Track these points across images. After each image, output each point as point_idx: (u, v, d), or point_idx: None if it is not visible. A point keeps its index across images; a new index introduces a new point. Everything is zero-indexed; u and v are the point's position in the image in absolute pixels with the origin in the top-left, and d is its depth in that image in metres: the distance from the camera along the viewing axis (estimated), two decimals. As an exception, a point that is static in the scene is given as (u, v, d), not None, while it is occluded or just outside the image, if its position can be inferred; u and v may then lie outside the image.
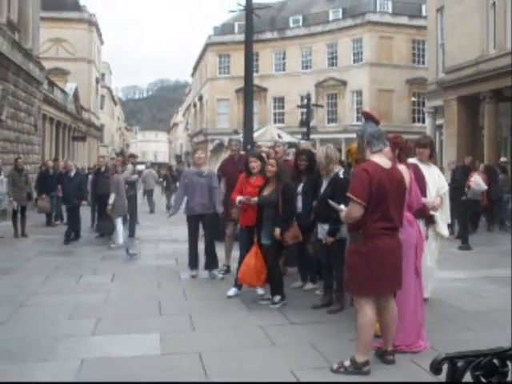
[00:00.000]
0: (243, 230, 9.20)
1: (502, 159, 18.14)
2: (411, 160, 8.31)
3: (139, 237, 16.15)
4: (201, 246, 10.69)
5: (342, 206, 5.97)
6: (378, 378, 5.51)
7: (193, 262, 10.68)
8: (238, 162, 10.74)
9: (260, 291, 8.91)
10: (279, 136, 12.13)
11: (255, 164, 9.10)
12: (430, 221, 7.87)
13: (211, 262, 10.45)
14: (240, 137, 11.83)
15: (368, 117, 6.46)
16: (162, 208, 25.28)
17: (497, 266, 11.99)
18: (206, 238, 10.51)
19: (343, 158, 9.10)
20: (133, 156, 19.96)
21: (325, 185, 8.08)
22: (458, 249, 13.69)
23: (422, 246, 6.75)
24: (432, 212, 7.74)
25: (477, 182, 15.36)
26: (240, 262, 8.79)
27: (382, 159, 5.63)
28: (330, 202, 6.60)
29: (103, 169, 16.49)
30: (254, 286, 8.67)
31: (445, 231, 8.31)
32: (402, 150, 6.50)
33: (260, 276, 8.35)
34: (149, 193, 26.70)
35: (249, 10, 13.23)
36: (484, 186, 15.57)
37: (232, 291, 8.95)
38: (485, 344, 4.07)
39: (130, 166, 16.86)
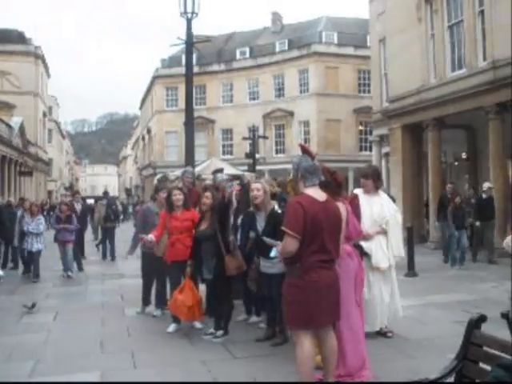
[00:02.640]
0: (173, 265, 9.04)
1: (486, 184, 17.51)
2: (356, 190, 8.38)
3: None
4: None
5: (278, 242, 5.95)
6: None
7: (146, 299, 10.48)
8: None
9: (198, 325, 8.87)
10: (217, 170, 11.95)
11: (179, 197, 9.07)
12: (361, 252, 7.60)
13: (161, 300, 10.21)
14: (221, 175, 11.46)
15: (304, 150, 6.47)
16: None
17: (442, 291, 12.15)
18: (158, 277, 10.23)
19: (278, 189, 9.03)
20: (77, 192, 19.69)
21: (260, 220, 8.06)
22: (404, 276, 13.80)
23: (362, 277, 6.76)
24: (362, 243, 7.58)
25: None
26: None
27: (316, 192, 5.63)
28: (265, 239, 6.61)
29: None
30: (188, 320, 8.64)
31: (383, 263, 7.97)
32: (326, 187, 6.39)
33: (192, 310, 8.30)
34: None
35: (189, 43, 13.26)
36: None
37: (171, 327, 8.86)
38: (425, 371, 4.12)
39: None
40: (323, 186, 5.96)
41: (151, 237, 9.09)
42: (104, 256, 19.92)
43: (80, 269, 16.59)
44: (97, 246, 22.04)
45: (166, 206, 9.33)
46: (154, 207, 10.72)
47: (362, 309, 6.71)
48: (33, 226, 15.02)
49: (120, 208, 26.08)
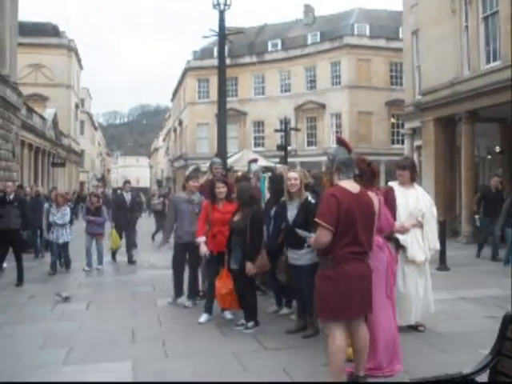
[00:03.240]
0: (213, 256, 9.11)
1: None
2: (391, 183, 8.33)
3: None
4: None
5: (312, 234, 5.95)
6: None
7: (178, 290, 10.51)
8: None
9: (228, 316, 8.91)
10: (252, 160, 11.95)
11: (223, 189, 9.09)
12: (397, 245, 7.66)
13: (193, 291, 10.27)
14: (257, 166, 11.46)
15: (341, 142, 6.46)
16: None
17: (474, 286, 12.04)
18: (191, 267, 10.27)
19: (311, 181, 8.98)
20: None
21: (292, 210, 8.04)
22: (435, 269, 13.68)
23: (393, 270, 6.72)
24: (398, 235, 7.54)
25: None
26: (211, 288, 8.82)
27: (349, 184, 5.62)
28: (298, 230, 6.61)
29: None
30: (223, 307, 8.73)
31: (419, 257, 7.91)
32: (361, 176, 6.40)
33: (227, 298, 8.39)
34: None
35: (221, 35, 13.25)
36: None
37: (203, 317, 8.91)
38: (457, 366, 4.08)
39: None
40: (358, 176, 5.95)
41: (205, 250, 9.13)
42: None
43: (130, 261, 16.29)
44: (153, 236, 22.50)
45: (210, 198, 9.36)
46: (184, 195, 10.78)
47: (394, 302, 6.66)
48: (58, 217, 14.85)
49: (143, 199, 26.33)
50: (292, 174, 8.19)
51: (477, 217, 16.52)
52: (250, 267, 8.04)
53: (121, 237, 16.62)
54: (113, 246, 16.56)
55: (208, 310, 8.99)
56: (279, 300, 9.51)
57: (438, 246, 8.38)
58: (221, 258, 8.89)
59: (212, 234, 9.05)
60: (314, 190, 8.37)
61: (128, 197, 17.07)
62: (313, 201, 7.79)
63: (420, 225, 8.00)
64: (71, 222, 15.96)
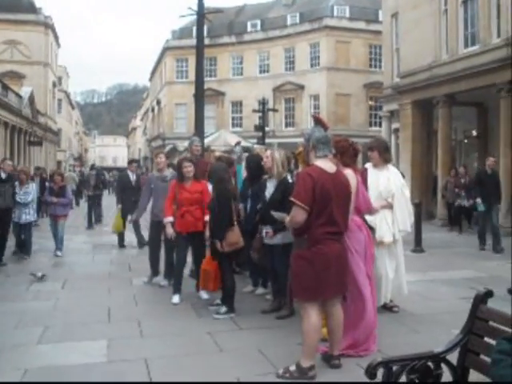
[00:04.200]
0: (181, 237, 9.09)
1: (491, 159, 15.87)
2: (367, 164, 8.35)
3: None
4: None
5: (285, 215, 5.98)
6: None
7: (154, 268, 10.53)
8: (197, 166, 9.70)
9: (204, 295, 8.92)
10: (238, 143, 12.03)
11: (190, 169, 9.07)
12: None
13: (169, 270, 10.14)
14: (240, 149, 11.53)
15: (317, 121, 6.47)
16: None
17: (449, 268, 12.18)
18: (166, 246, 10.11)
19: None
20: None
21: (270, 188, 8.05)
22: (411, 251, 13.79)
23: (371, 250, 6.75)
24: (366, 216, 7.31)
25: None
26: (179, 269, 9.08)
27: (326, 164, 5.63)
28: (273, 212, 6.64)
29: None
30: (212, 290, 8.63)
31: (387, 238, 7.91)
32: (344, 154, 6.48)
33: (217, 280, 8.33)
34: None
35: (200, 14, 13.17)
36: None
37: (176, 298, 8.91)
38: (429, 346, 4.14)
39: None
40: (340, 154, 5.98)
41: (171, 232, 9.19)
42: (90, 223, 20.89)
43: (141, 244, 14.83)
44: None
45: (177, 177, 9.33)
46: (157, 173, 10.89)
47: (373, 282, 6.72)
48: (20, 195, 13.54)
49: (108, 178, 27.89)
50: (266, 152, 8.26)
51: (478, 201, 15.06)
52: (218, 245, 7.99)
53: (125, 220, 15.00)
54: (116, 229, 15.27)
55: (178, 290, 9.00)
56: (255, 280, 9.55)
57: (408, 227, 8.30)
58: (190, 238, 8.93)
59: (180, 213, 9.00)
60: (289, 170, 8.38)
61: (133, 177, 15.99)
62: (290, 180, 7.80)
63: (390, 206, 8.02)
64: (37, 201, 14.87)
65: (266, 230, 7.79)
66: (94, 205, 21.61)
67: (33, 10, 56.78)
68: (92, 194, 21.64)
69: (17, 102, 41.37)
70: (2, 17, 44.64)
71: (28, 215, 13.74)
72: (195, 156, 10.74)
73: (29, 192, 13.66)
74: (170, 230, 9.18)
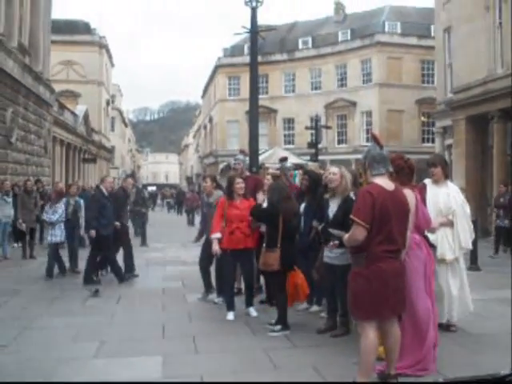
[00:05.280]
0: (226, 254, 9.10)
1: None
2: (426, 180, 8.26)
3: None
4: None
5: (343, 233, 5.95)
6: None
7: (207, 286, 10.56)
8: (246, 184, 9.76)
9: (253, 313, 8.96)
10: (283, 159, 11.98)
11: (241, 185, 9.09)
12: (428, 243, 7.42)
13: (221, 287, 10.15)
14: (243, 157, 11.56)
15: (374, 139, 6.44)
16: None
17: (505, 287, 11.90)
18: (217, 263, 10.08)
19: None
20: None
21: (333, 207, 7.93)
22: (467, 270, 13.54)
23: (432, 268, 6.66)
24: (428, 234, 7.23)
25: None
26: (228, 287, 9.14)
27: (384, 181, 5.60)
28: (332, 230, 6.60)
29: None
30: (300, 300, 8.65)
31: (449, 255, 7.84)
32: (399, 172, 6.40)
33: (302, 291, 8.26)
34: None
35: (254, 32, 13.24)
36: None
37: (230, 315, 8.92)
38: (489, 368, 4.04)
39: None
40: (395, 172, 5.94)
41: (216, 249, 9.20)
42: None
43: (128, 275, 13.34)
44: None
45: (226, 194, 9.38)
46: (206, 198, 10.91)
47: (434, 300, 6.62)
48: (49, 215, 13.38)
49: (146, 195, 28.32)
50: (332, 169, 8.14)
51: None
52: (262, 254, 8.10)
53: None
54: None
55: (231, 307, 9.01)
56: (310, 297, 9.48)
57: (470, 244, 8.22)
58: (237, 255, 8.95)
59: (229, 230, 8.99)
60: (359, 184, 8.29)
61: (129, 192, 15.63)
62: (354, 197, 7.67)
63: (450, 223, 7.92)
64: (68, 220, 13.89)
65: (334, 242, 7.53)
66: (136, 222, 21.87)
67: (88, 31, 58.00)
68: (133, 209, 21.28)
69: (72, 121, 42.18)
70: (59, 38, 45.52)
71: (53, 236, 13.33)
72: (239, 174, 10.68)
73: (55, 211, 13.40)
74: (216, 247, 9.17)
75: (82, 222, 13.95)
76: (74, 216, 13.93)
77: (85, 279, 12.37)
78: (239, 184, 9.13)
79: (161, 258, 16.81)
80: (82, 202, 14.44)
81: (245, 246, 8.95)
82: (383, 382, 5.76)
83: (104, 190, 12.89)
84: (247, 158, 12.49)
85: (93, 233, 12.44)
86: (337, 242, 7.44)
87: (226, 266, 9.25)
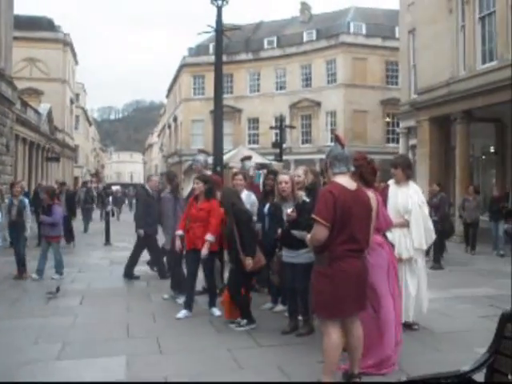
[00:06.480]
0: (187, 252, 9.21)
1: None
2: (390, 181, 8.32)
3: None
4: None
5: (305, 233, 5.97)
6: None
7: (174, 285, 10.53)
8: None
9: (217, 312, 8.96)
10: (246, 158, 11.99)
11: (197, 186, 9.12)
12: None
13: (176, 284, 10.40)
14: (204, 156, 11.56)
15: (336, 139, 6.45)
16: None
17: (468, 285, 12.08)
18: (175, 259, 10.45)
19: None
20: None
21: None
22: (429, 268, 13.69)
23: (394, 268, 6.70)
24: (386, 233, 7.24)
25: None
26: (190, 284, 9.12)
27: (346, 181, 5.61)
28: (294, 232, 6.62)
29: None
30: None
31: (405, 254, 7.85)
32: (362, 171, 6.41)
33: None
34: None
35: (219, 31, 13.20)
36: None
37: (181, 313, 8.96)
38: (451, 365, 4.08)
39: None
40: (358, 174, 5.96)
41: (178, 244, 9.51)
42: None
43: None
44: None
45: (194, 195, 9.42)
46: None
47: (397, 299, 6.66)
48: None
49: (95, 194, 31.58)
50: (283, 178, 8.20)
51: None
52: (248, 262, 8.01)
53: None
54: None
55: (185, 306, 9.07)
56: (274, 297, 9.50)
57: (423, 244, 8.19)
58: (192, 255, 9.01)
59: (187, 229, 9.15)
60: (306, 187, 8.33)
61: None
62: (307, 200, 7.73)
63: (407, 223, 7.98)
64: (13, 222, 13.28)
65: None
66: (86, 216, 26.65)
67: (52, 28, 57.32)
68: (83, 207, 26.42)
69: (35, 119, 41.65)
70: (22, 35, 44.96)
71: None
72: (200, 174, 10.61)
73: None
74: (177, 243, 9.44)
75: (28, 223, 13.41)
76: (18, 217, 13.18)
77: (125, 273, 12.91)
78: (195, 184, 9.22)
79: (125, 257, 16.61)
80: (26, 201, 13.72)
81: (194, 246, 8.97)
82: (347, 382, 5.78)
83: (149, 189, 13.05)
84: (209, 158, 12.49)
85: (141, 232, 12.70)
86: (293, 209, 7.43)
87: (186, 264, 9.39)
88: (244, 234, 8.09)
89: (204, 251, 8.72)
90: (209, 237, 8.75)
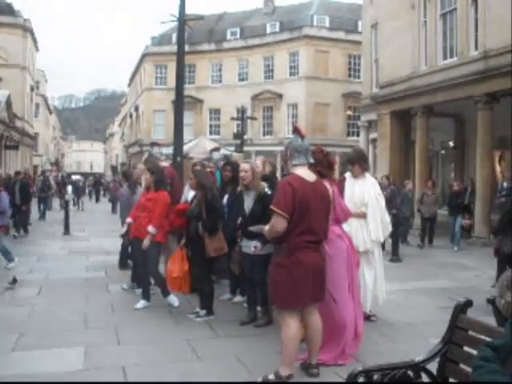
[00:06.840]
0: (135, 239, 9.23)
1: None
2: (346, 174, 8.37)
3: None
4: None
5: (262, 226, 5.98)
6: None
7: (134, 275, 10.44)
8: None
9: (175, 303, 8.97)
10: (215, 149, 11.99)
11: (143, 176, 9.22)
12: None
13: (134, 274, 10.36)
14: (158, 148, 11.56)
15: (295, 130, 6.48)
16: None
17: (427, 278, 12.25)
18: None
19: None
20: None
21: (248, 201, 7.99)
22: (388, 261, 13.85)
23: (354, 259, 6.74)
24: (343, 225, 7.14)
25: None
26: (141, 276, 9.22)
27: (305, 172, 5.65)
28: (251, 228, 6.66)
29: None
30: (174, 290, 8.70)
31: (362, 247, 7.87)
32: (319, 164, 6.41)
33: (178, 281, 8.36)
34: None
35: (181, 20, 13.13)
36: None
37: (140, 304, 8.96)
38: (407, 355, 4.15)
39: None
40: (314, 166, 5.98)
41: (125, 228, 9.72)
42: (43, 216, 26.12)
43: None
44: None
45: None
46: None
47: (357, 290, 6.74)
48: None
49: (52, 183, 31.90)
50: (243, 166, 8.18)
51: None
52: (201, 231, 8.02)
53: None
54: None
55: (143, 296, 9.09)
56: (233, 288, 9.53)
57: (380, 236, 8.26)
58: (137, 243, 9.03)
59: (134, 216, 9.37)
60: (265, 178, 8.35)
61: None
62: (269, 192, 7.74)
63: (363, 215, 8.05)
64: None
65: (255, 245, 7.32)
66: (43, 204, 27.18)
67: (11, 12, 56.20)
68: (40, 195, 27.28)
69: (-7, 106, 40.97)
70: (-20, 19, 44.24)
71: None
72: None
73: None
74: (123, 229, 9.86)
75: None
76: None
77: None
78: (145, 175, 9.43)
79: (84, 247, 16.55)
80: None
81: (137, 235, 9.07)
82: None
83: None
84: (163, 149, 12.52)
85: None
86: (259, 244, 7.24)
87: (133, 253, 9.75)
88: (212, 213, 8.07)
89: (145, 242, 8.72)
90: (150, 228, 8.76)
